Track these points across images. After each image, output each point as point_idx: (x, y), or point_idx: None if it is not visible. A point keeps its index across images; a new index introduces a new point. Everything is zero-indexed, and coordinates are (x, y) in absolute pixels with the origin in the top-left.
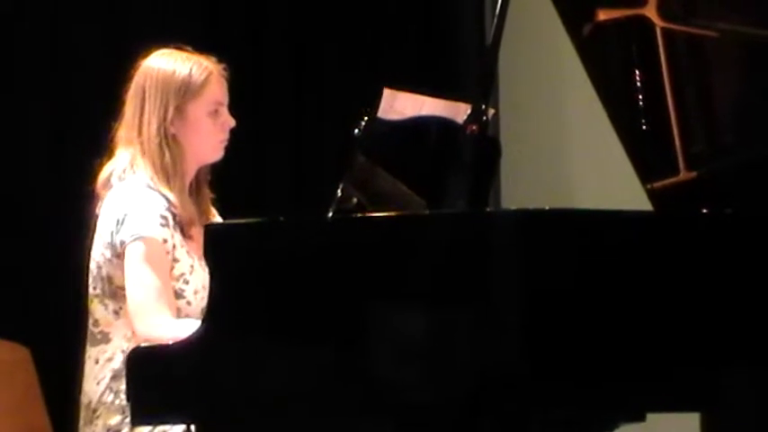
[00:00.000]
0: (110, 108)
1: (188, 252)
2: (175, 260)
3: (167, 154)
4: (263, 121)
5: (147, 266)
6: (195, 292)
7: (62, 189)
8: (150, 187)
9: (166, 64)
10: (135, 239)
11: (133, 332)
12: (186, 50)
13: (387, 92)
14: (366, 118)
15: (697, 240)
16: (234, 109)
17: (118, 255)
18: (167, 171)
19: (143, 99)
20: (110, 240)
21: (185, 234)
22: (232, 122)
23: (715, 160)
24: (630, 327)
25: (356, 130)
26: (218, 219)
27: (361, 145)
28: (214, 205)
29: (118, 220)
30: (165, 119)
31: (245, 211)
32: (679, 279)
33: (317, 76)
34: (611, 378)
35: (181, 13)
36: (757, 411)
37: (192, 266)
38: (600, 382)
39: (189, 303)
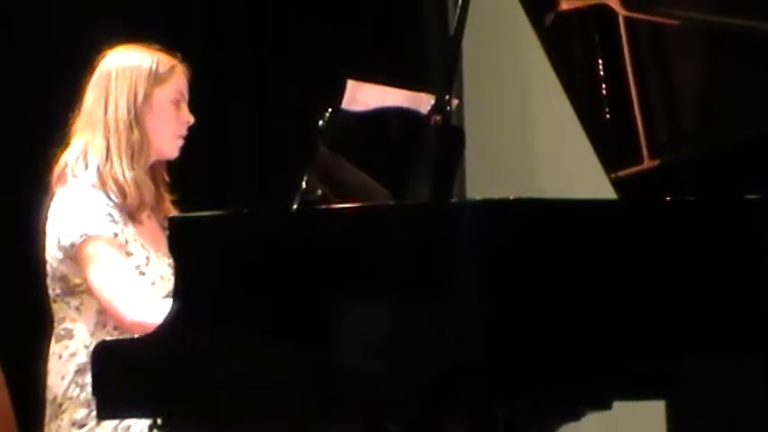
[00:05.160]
0: (68, 100)
1: (142, 245)
2: (129, 254)
3: (136, 132)
4: (225, 113)
5: (107, 262)
6: (153, 284)
7: (26, 183)
8: (94, 186)
9: (132, 54)
10: (85, 239)
11: (103, 324)
12: (150, 47)
13: (350, 83)
14: (330, 109)
15: (661, 228)
16: (195, 99)
17: (71, 257)
18: (133, 149)
19: (107, 83)
20: (59, 243)
21: (135, 219)
22: (191, 119)
23: (678, 148)
24: (594, 315)
25: (320, 122)
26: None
27: (325, 136)
28: (177, 207)
29: (65, 224)
30: (135, 101)
31: (209, 203)
32: (643, 267)
33: (280, 67)
34: (575, 367)
35: (137, 10)
36: (720, 401)
37: (147, 258)
38: (565, 371)
39: None
